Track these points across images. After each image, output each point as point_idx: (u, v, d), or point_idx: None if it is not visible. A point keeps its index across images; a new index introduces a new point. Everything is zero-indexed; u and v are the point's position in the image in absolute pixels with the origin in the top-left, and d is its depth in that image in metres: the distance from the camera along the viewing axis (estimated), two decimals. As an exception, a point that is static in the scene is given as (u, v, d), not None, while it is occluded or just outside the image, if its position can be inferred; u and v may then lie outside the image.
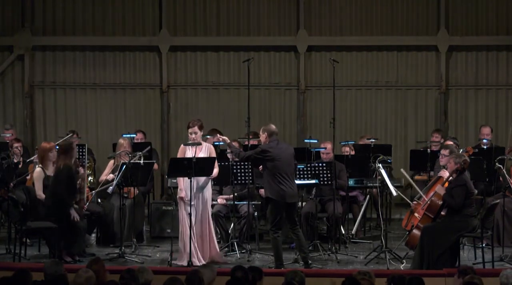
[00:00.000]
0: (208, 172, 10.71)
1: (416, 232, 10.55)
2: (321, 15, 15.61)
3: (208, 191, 10.89)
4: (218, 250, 10.93)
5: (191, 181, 10.51)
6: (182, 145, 10.93)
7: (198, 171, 10.53)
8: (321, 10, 15.60)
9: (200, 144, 10.79)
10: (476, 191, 10.76)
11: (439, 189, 10.48)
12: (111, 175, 11.92)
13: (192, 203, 10.55)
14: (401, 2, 15.55)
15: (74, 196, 11.02)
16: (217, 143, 12.55)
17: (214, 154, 10.97)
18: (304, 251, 10.46)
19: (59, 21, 15.78)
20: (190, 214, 10.53)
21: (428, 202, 10.63)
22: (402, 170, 11.73)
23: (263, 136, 10.47)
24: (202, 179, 10.72)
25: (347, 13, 15.59)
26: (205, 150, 10.87)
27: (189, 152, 10.76)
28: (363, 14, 15.57)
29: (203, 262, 10.57)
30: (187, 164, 10.47)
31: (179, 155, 10.86)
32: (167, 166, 15.29)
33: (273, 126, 10.53)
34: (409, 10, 15.56)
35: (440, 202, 10.49)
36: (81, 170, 11.42)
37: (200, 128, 10.81)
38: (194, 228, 10.61)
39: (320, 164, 11.63)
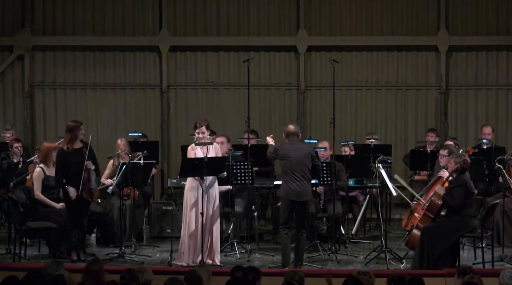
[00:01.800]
0: (219, 171, 10.79)
1: (416, 232, 10.54)
2: (321, 15, 15.60)
3: (216, 190, 10.91)
4: (218, 252, 10.88)
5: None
6: (190, 146, 10.95)
7: (210, 170, 10.60)
8: (321, 10, 15.58)
9: (211, 143, 10.90)
10: (476, 191, 10.75)
11: (439, 189, 10.47)
12: (110, 180, 11.91)
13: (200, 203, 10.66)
14: (401, 2, 15.53)
15: (61, 178, 10.86)
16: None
17: (220, 153, 11.06)
18: (298, 256, 10.45)
19: (59, 21, 15.76)
20: (202, 213, 10.58)
21: (428, 202, 10.63)
22: (396, 176, 11.67)
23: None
24: (209, 178, 10.77)
25: (347, 13, 15.57)
26: (213, 149, 10.92)
27: (198, 152, 10.79)
28: (363, 14, 15.55)
29: (199, 261, 10.60)
30: (198, 164, 10.50)
31: (188, 156, 10.87)
32: (167, 166, 15.37)
33: (291, 127, 10.64)
34: (409, 10, 15.54)
35: (440, 202, 10.49)
36: (89, 165, 11.07)
37: (207, 128, 10.90)
38: (199, 228, 10.64)
39: (320, 164, 11.61)
